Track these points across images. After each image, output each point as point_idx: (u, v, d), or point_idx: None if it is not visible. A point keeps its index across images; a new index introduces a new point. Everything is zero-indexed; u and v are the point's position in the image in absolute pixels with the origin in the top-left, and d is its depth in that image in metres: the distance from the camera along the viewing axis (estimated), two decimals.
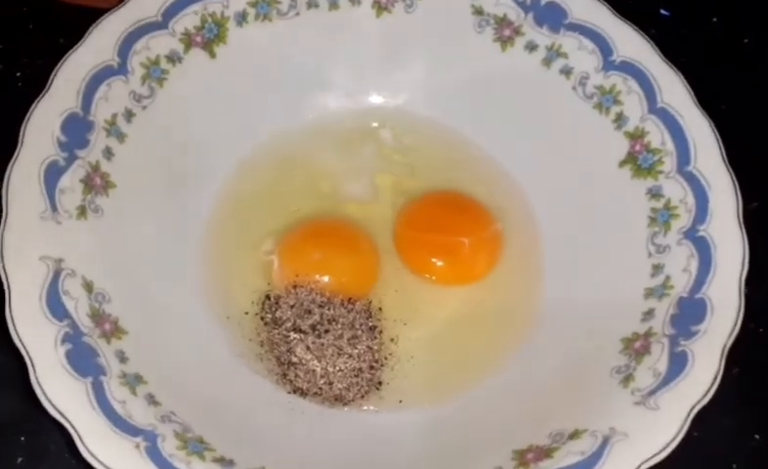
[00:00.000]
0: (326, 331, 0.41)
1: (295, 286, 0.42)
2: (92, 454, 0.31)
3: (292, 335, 0.40)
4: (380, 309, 0.42)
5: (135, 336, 0.36)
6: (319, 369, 0.40)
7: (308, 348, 0.40)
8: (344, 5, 0.46)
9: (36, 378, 0.32)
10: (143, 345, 0.36)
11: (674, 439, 0.33)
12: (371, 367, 0.41)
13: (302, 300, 0.41)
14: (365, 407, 0.40)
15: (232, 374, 0.39)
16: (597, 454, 0.33)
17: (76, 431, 0.31)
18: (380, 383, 0.41)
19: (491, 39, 0.45)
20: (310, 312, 0.41)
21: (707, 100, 0.42)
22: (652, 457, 0.33)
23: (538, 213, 0.45)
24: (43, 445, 0.39)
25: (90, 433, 0.31)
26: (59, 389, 0.32)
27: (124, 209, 0.39)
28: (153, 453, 0.32)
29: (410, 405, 0.40)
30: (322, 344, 0.40)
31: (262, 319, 0.41)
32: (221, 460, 0.33)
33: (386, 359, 0.41)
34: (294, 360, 0.40)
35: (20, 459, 0.38)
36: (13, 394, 0.39)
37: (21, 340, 0.32)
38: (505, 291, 0.44)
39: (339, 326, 0.41)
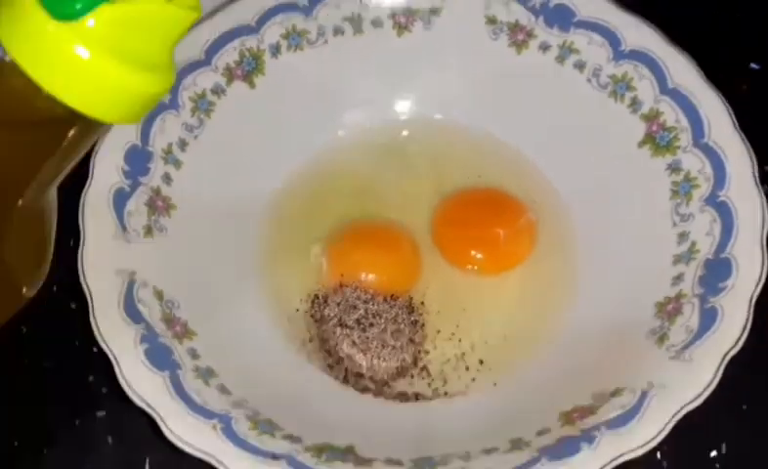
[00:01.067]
0: (371, 325, 0.43)
1: (342, 285, 0.45)
2: (175, 435, 0.34)
3: (338, 331, 0.43)
4: (422, 303, 0.45)
5: (203, 337, 0.39)
6: (365, 362, 0.42)
7: (353, 342, 0.43)
8: (367, 29, 0.49)
9: (122, 373, 0.35)
10: (211, 344, 0.39)
11: (709, 386, 0.35)
12: (415, 359, 0.43)
13: (347, 297, 0.44)
14: (415, 394, 0.42)
15: (289, 367, 0.42)
16: (637, 406, 0.35)
17: (160, 416, 0.34)
18: (425, 371, 0.43)
19: (507, 44, 0.48)
20: (355, 307, 0.44)
21: None
22: (689, 403, 0.35)
23: (567, 199, 0.47)
24: (129, 429, 0.41)
25: (172, 417, 0.34)
26: (141, 382, 0.35)
27: (185, 227, 0.43)
28: (229, 433, 0.35)
29: (456, 391, 0.42)
30: (368, 338, 0.43)
31: (312, 316, 0.44)
32: (289, 437, 0.36)
33: (428, 352, 0.44)
34: (342, 353, 0.43)
35: (110, 439, 0.41)
36: (102, 385, 0.42)
37: (105, 342, 0.36)
38: (542, 274, 0.45)
39: (383, 321, 0.43)
